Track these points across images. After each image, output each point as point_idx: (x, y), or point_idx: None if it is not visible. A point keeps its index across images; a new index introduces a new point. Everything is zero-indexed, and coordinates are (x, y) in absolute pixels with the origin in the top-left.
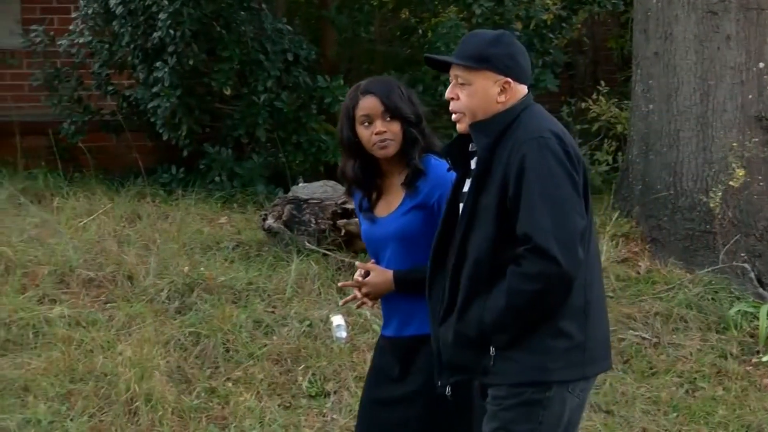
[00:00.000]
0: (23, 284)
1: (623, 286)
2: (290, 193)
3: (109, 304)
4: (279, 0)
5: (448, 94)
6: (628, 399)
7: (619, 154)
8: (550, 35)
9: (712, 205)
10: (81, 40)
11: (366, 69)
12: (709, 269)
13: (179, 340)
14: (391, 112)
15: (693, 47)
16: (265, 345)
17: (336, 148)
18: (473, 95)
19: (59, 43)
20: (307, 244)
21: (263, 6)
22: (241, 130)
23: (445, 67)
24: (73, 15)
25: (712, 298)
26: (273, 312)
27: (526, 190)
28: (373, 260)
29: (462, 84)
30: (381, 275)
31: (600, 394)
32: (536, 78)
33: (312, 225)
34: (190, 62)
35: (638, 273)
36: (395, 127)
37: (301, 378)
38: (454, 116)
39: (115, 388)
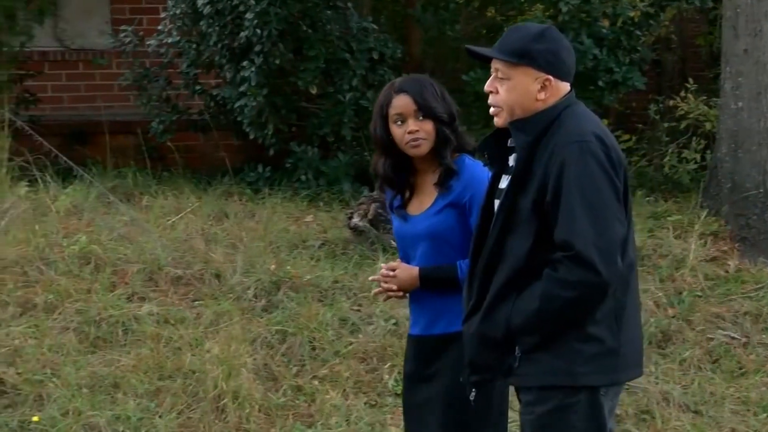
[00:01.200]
0: (113, 282)
1: (712, 285)
2: (376, 192)
3: (196, 302)
4: None
5: (487, 86)
6: (716, 399)
7: (708, 152)
8: (638, 32)
9: None
10: (169, 40)
11: (451, 67)
12: None
13: (266, 338)
14: (424, 111)
15: None
16: (351, 343)
17: None
18: (512, 90)
19: (148, 43)
20: (393, 242)
21: (349, 5)
22: (327, 129)
23: (488, 59)
24: (162, 15)
25: None
26: (359, 310)
27: (566, 196)
28: (399, 260)
29: (501, 78)
30: (406, 271)
31: (688, 394)
32: (623, 76)
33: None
34: (277, 61)
35: (727, 272)
36: (428, 126)
37: (386, 376)
38: (491, 110)
39: (202, 386)
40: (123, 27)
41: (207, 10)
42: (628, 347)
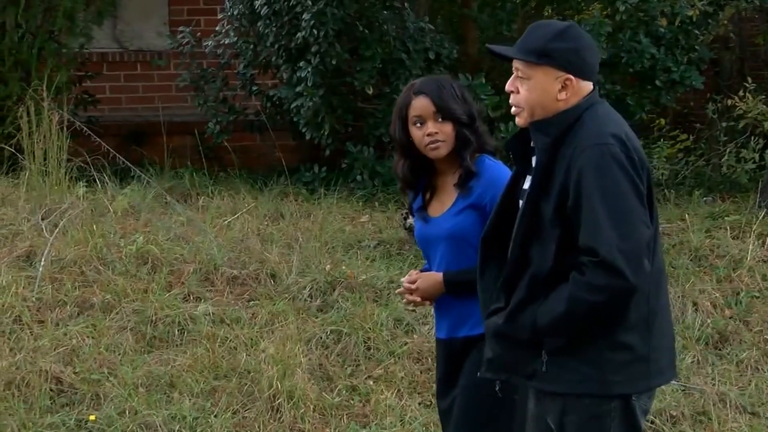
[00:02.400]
0: (169, 282)
1: None
2: None
3: (252, 302)
4: None
5: (508, 86)
6: None
7: (766, 151)
8: (696, 31)
9: None
10: (226, 41)
11: (507, 67)
12: None
13: (321, 338)
14: (443, 113)
15: None
16: (406, 343)
17: None
18: (532, 90)
19: (205, 44)
20: None
21: (405, 5)
22: (383, 129)
23: (509, 58)
24: (219, 16)
25: None
26: (414, 310)
27: (588, 201)
28: (425, 263)
29: (522, 78)
30: (429, 279)
31: (745, 396)
32: (681, 75)
33: None
34: (333, 62)
35: None
36: (447, 127)
37: None
38: (513, 109)
39: (258, 385)
40: (181, 28)
41: (264, 10)
42: (659, 353)
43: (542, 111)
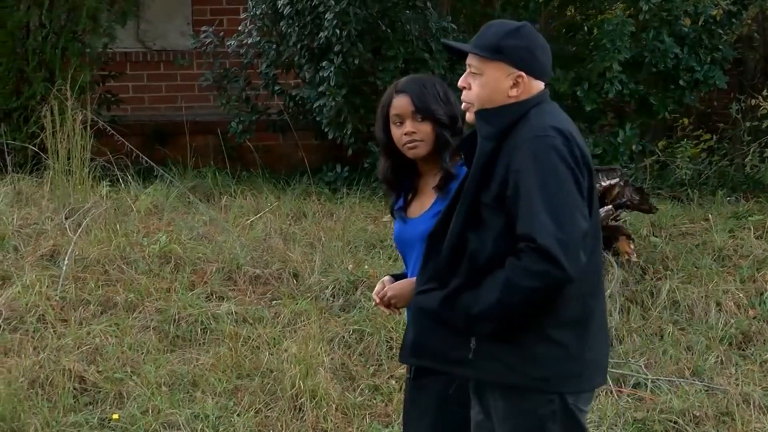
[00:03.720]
0: (192, 281)
1: None
2: None
3: (274, 301)
4: None
5: (460, 82)
6: None
7: None
8: (719, 31)
9: None
10: (249, 41)
11: None
12: None
13: (343, 337)
14: (422, 112)
15: None
16: None
17: None
18: (484, 86)
19: (228, 43)
20: None
21: (428, 5)
22: None
23: (463, 54)
24: (242, 16)
25: None
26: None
27: (527, 190)
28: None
29: (475, 74)
30: (403, 285)
31: None
32: (705, 75)
33: None
34: (356, 61)
35: None
36: (426, 127)
37: None
38: (463, 105)
39: (280, 385)
40: (204, 28)
41: (287, 10)
42: (593, 354)
43: (491, 106)
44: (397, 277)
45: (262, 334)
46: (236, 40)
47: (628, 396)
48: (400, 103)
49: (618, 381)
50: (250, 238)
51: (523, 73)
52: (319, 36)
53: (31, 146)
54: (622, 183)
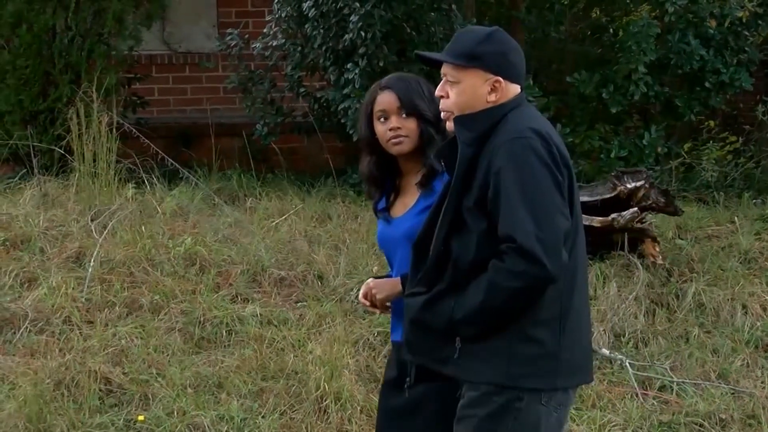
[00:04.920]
0: (217, 283)
1: None
2: None
3: (299, 303)
4: (469, 0)
5: (437, 92)
6: None
7: None
8: (745, 33)
9: None
10: (274, 43)
11: (555, 69)
12: None
13: (368, 339)
14: (407, 108)
15: None
16: None
17: None
18: (462, 94)
19: (253, 46)
20: None
21: (453, 7)
22: None
23: (438, 63)
24: (267, 18)
25: None
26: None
27: (507, 191)
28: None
29: (452, 82)
30: (387, 285)
31: None
32: (730, 76)
33: None
34: (381, 63)
35: None
36: (411, 124)
37: None
38: (443, 114)
39: (305, 387)
40: (229, 30)
41: (312, 12)
42: (571, 352)
43: (470, 112)
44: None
45: (286, 336)
46: (261, 42)
47: (654, 399)
48: (385, 99)
49: (643, 384)
50: (275, 240)
51: (500, 78)
52: (344, 38)
53: (57, 148)
54: (647, 185)
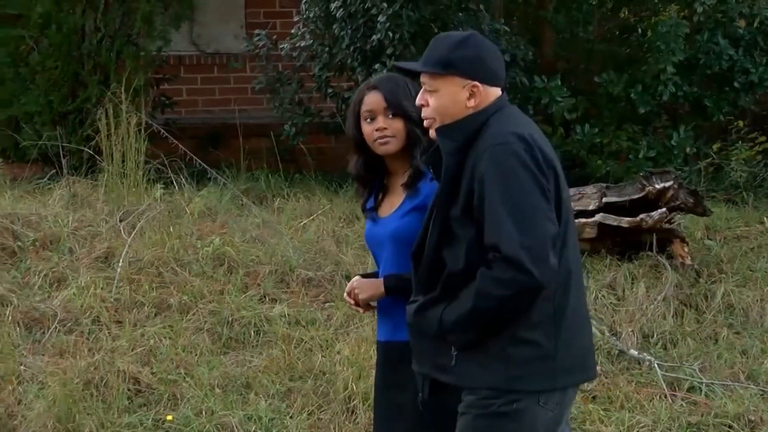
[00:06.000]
0: (245, 283)
1: None
2: None
3: (327, 304)
4: (497, 1)
5: (417, 101)
6: None
7: None
8: None
9: None
10: (302, 44)
11: (584, 69)
12: None
13: None
14: (394, 108)
15: None
16: None
17: (553, 149)
18: (441, 101)
19: (281, 46)
20: None
21: (481, 7)
22: None
23: (416, 73)
24: (295, 19)
25: None
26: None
27: (491, 199)
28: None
29: (430, 91)
30: (371, 285)
31: None
32: (760, 76)
33: None
34: None
35: None
36: (398, 124)
37: None
38: (425, 122)
39: (333, 387)
40: (257, 31)
41: (340, 13)
42: (568, 351)
43: (452, 120)
44: (368, 277)
45: (314, 336)
46: (289, 43)
47: (683, 400)
48: (372, 99)
49: (672, 385)
50: (303, 240)
51: (478, 83)
52: (372, 38)
53: (86, 149)
54: (676, 186)
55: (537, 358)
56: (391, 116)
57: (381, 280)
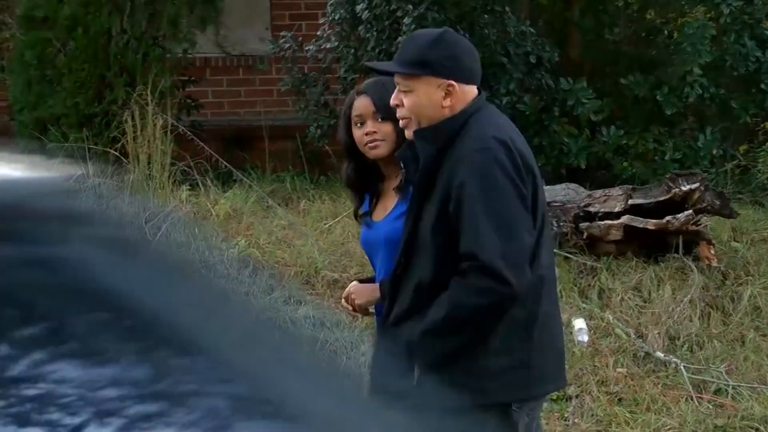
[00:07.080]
0: (270, 285)
1: None
2: None
3: None
4: (523, 2)
5: (392, 101)
6: None
7: None
8: None
9: None
10: (328, 46)
11: (610, 71)
12: None
13: None
14: (382, 112)
15: None
16: None
17: (579, 151)
18: (416, 101)
19: (307, 48)
20: None
21: (507, 8)
22: None
23: (390, 73)
24: (321, 21)
25: None
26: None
27: (470, 206)
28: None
29: (405, 91)
30: (366, 290)
31: None
32: None
33: (554, 228)
34: None
35: None
36: (387, 127)
37: None
38: (401, 122)
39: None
40: (282, 33)
41: (365, 15)
42: (543, 358)
43: (428, 120)
44: (365, 282)
45: (339, 339)
46: (315, 45)
47: (709, 402)
48: (361, 104)
49: (698, 387)
50: (329, 242)
51: (453, 82)
52: (398, 40)
53: (112, 151)
54: (702, 188)
55: (512, 367)
56: (380, 120)
57: (376, 285)
